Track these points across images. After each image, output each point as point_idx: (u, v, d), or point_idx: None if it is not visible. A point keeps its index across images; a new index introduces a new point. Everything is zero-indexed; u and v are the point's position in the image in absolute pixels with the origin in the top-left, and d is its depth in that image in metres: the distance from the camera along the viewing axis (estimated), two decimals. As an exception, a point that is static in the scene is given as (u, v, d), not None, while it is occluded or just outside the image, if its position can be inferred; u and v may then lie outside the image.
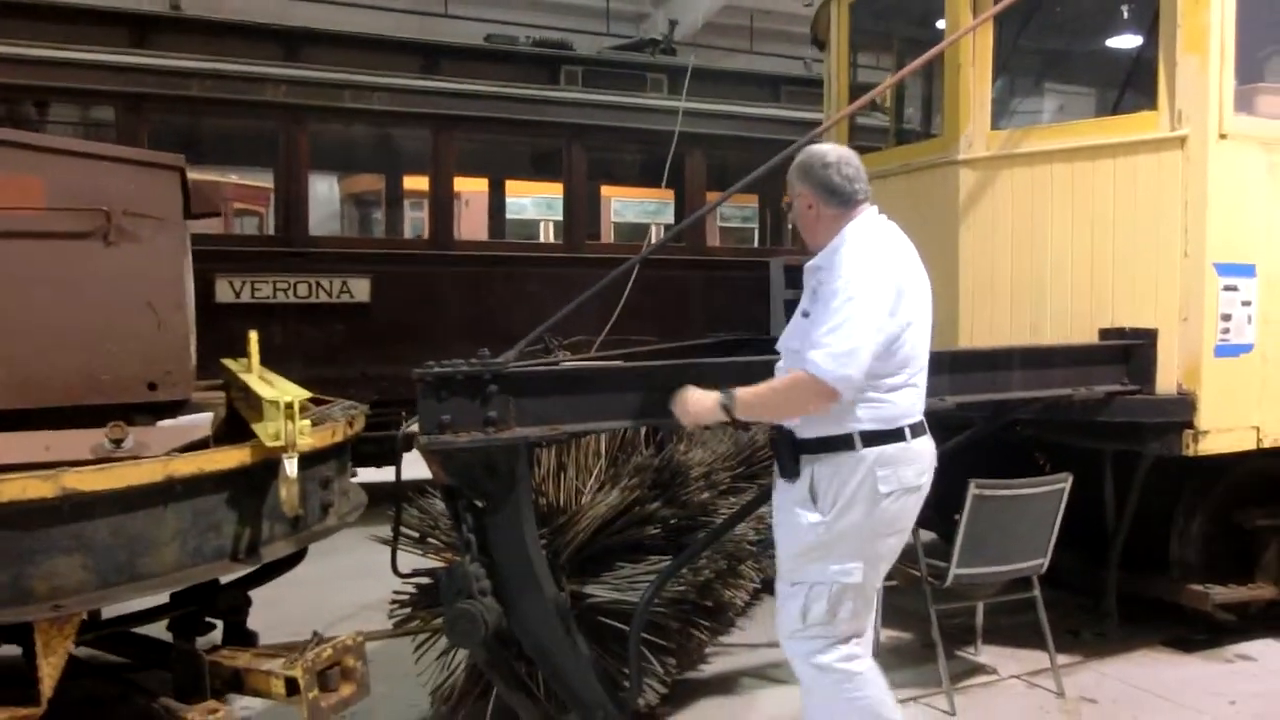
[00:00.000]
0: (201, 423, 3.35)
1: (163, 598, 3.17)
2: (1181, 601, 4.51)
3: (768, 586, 5.27)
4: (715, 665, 4.36)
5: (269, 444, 2.89)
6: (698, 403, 2.81)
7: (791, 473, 2.77)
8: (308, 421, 2.96)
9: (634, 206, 12.66)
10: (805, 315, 2.80)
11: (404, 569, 3.47)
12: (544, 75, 7.66)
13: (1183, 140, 3.98)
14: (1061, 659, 4.21)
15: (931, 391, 3.64)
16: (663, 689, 3.38)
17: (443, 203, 7.27)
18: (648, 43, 8.22)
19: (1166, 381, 4.01)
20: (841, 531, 2.70)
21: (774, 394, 2.71)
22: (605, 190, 11.10)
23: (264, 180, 12.01)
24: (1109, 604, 4.64)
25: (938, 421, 3.85)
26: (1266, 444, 4.15)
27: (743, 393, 2.74)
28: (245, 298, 6.66)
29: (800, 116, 7.92)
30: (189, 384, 3.52)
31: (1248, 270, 4.04)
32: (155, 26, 6.90)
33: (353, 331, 6.91)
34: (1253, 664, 4.38)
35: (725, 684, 4.17)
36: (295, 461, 2.89)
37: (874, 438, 2.72)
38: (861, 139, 5.72)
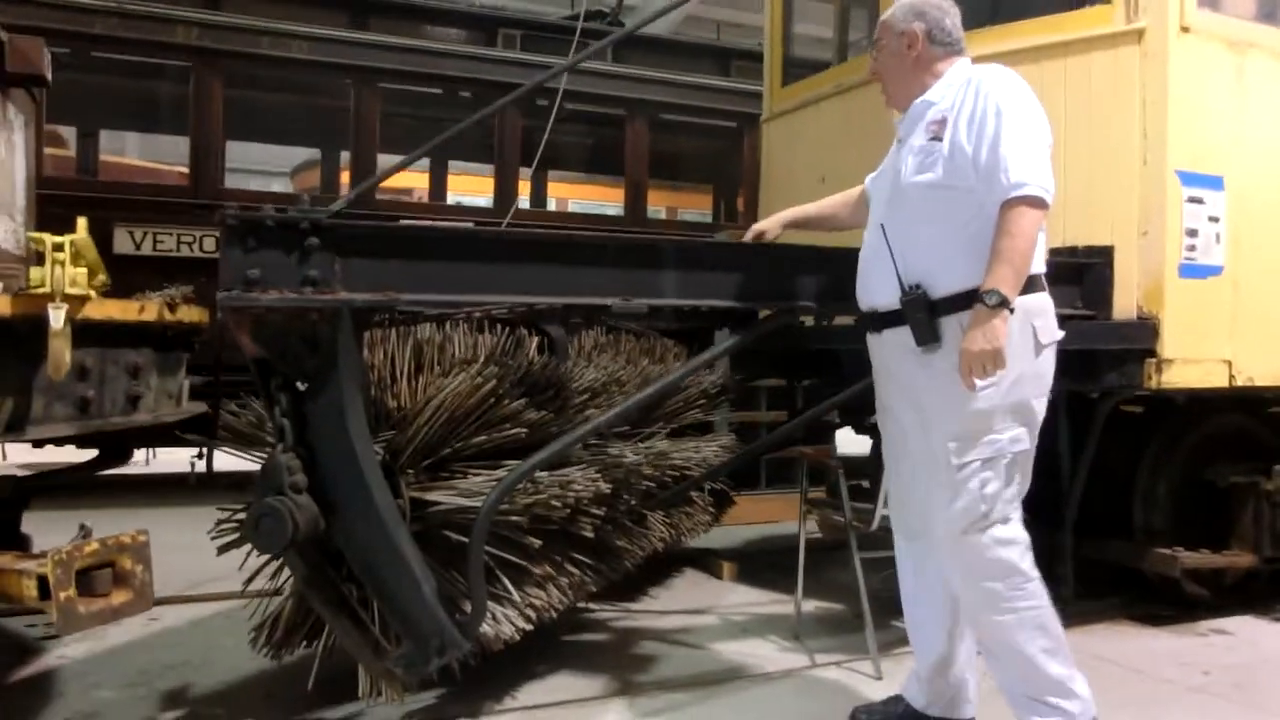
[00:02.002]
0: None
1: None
2: (1146, 567, 4.00)
3: (684, 561, 4.79)
4: (614, 628, 3.84)
5: (33, 291, 2.39)
6: (985, 333, 2.31)
7: (931, 338, 2.47)
8: (84, 270, 2.46)
9: (589, 209, 12.23)
10: (933, 139, 2.53)
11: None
12: (481, 38, 7.25)
13: (1140, 34, 3.55)
14: (1010, 629, 3.68)
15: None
16: (525, 624, 2.84)
17: (365, 164, 6.79)
18: (593, 15, 7.84)
19: (1125, 304, 3.54)
20: (1009, 393, 2.43)
21: (1016, 245, 2.34)
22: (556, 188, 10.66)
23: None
24: (1065, 570, 4.11)
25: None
26: (1240, 381, 3.68)
27: (995, 277, 2.33)
28: (146, 250, 6.16)
29: (752, 88, 7.53)
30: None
31: (1214, 182, 3.60)
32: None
33: (263, 292, 6.38)
34: (1229, 637, 3.86)
35: (621, 645, 3.63)
36: (63, 314, 2.38)
37: (1026, 283, 2.43)
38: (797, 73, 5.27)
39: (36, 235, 2.41)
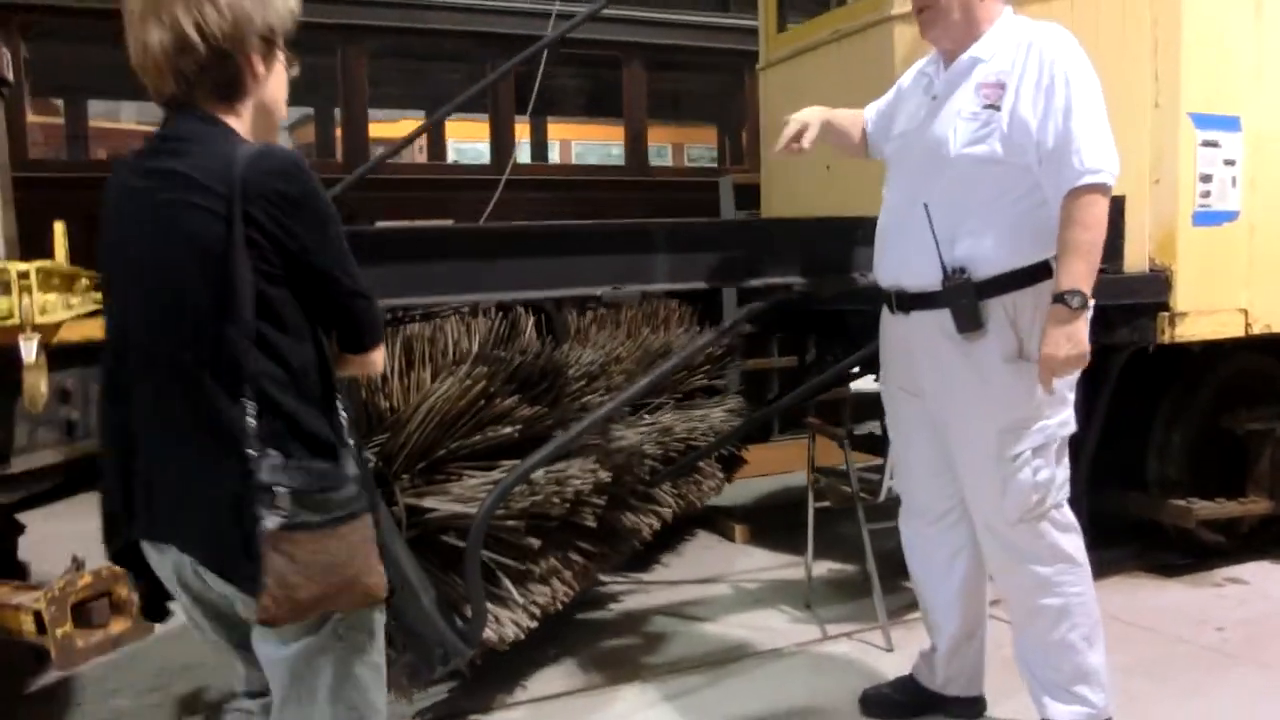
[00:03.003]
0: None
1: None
2: (1162, 519, 3.93)
3: (697, 522, 4.77)
4: (625, 604, 3.83)
5: (2, 324, 2.33)
6: (1070, 336, 2.22)
7: (974, 324, 2.33)
8: (53, 295, 2.40)
9: (595, 150, 12.00)
10: (989, 107, 2.32)
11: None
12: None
13: (1150, -32, 3.38)
14: (1024, 587, 3.65)
15: (854, 268, 3.14)
16: (530, 623, 2.82)
17: (356, 123, 6.64)
18: (587, -47, 7.56)
19: (1136, 256, 3.42)
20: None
21: (1091, 239, 2.23)
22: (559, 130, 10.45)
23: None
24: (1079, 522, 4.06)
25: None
26: (1256, 329, 3.57)
27: (1074, 275, 2.22)
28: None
29: (752, 24, 7.27)
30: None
31: (1231, 123, 3.45)
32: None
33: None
34: (1244, 587, 3.81)
35: (633, 622, 3.63)
36: (35, 344, 2.33)
37: None
38: (796, 16, 5.07)
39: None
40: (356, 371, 1.68)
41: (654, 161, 12.67)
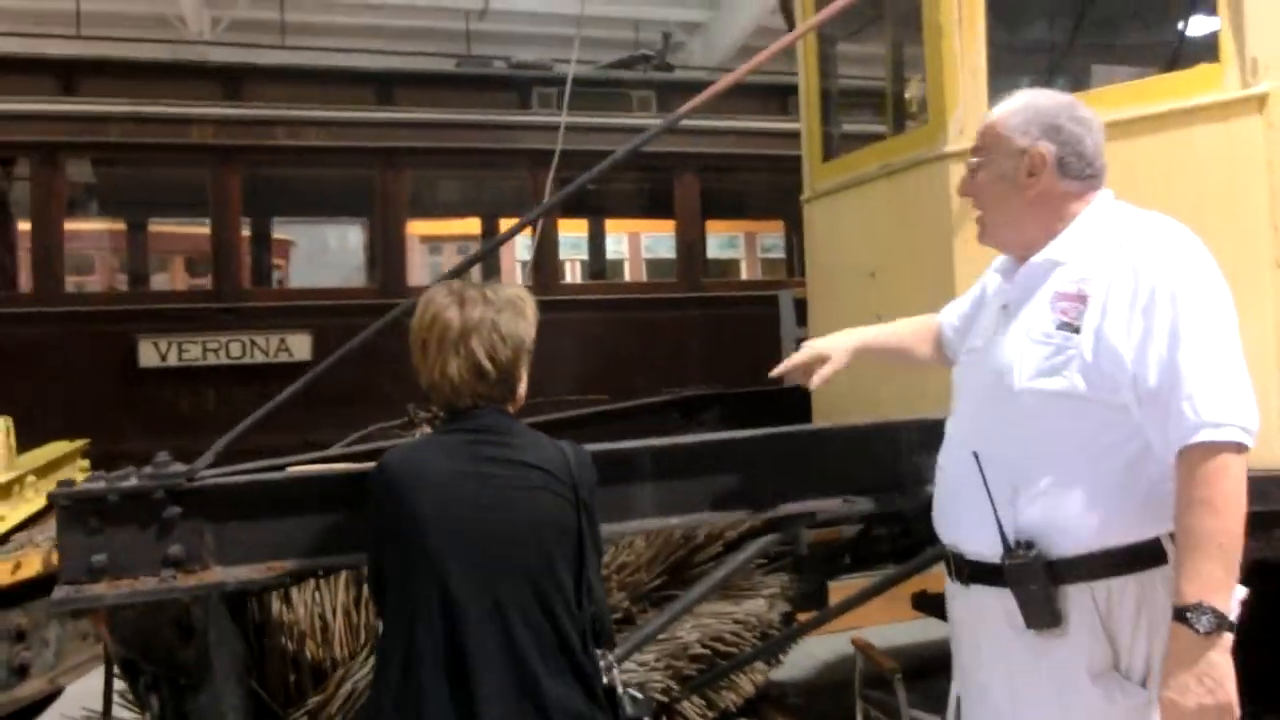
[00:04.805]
0: None
1: None
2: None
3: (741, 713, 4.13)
4: None
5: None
6: (1202, 677, 1.58)
7: (1049, 620, 1.75)
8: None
9: (664, 241, 11.56)
10: (1065, 326, 1.78)
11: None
12: (514, 100, 6.74)
13: (1261, 100, 2.75)
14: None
15: (900, 483, 2.59)
16: None
17: (393, 246, 6.35)
18: (639, 59, 7.21)
19: (1266, 450, 2.74)
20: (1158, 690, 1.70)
21: (1224, 527, 1.64)
22: (619, 224, 10.12)
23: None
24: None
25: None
26: None
27: (1202, 582, 1.61)
28: (172, 361, 5.89)
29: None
30: None
31: (1372, 281, 2.78)
32: (80, 71, 6.24)
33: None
34: None
35: None
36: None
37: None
38: (849, 148, 4.52)
39: None
40: None
41: (726, 253, 12.33)
